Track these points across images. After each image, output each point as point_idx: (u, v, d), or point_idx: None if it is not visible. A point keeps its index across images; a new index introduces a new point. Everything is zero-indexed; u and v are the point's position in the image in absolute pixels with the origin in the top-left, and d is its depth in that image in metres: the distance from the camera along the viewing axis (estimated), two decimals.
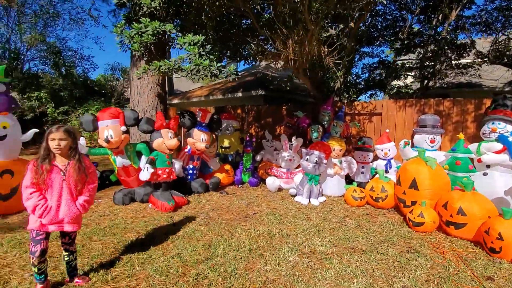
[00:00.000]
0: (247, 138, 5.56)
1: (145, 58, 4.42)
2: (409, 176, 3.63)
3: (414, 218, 3.29)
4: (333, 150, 4.70)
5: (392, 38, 9.17)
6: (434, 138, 4.53)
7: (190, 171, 4.68)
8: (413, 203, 3.54)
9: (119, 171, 4.12)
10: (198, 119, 4.59)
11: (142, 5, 3.26)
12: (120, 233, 3.11)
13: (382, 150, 4.94)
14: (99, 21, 15.15)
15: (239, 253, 2.67)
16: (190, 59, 3.22)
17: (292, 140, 5.29)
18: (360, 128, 5.72)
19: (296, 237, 3.10)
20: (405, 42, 8.40)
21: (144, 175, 3.85)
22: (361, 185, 4.71)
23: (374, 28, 9.05)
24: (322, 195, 4.60)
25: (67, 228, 1.97)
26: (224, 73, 3.23)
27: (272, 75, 11.81)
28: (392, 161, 5.00)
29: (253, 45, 4.35)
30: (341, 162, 4.84)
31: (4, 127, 3.70)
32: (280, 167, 5.31)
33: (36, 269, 1.92)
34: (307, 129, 5.67)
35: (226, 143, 5.83)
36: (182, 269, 2.37)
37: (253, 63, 9.10)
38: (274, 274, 2.33)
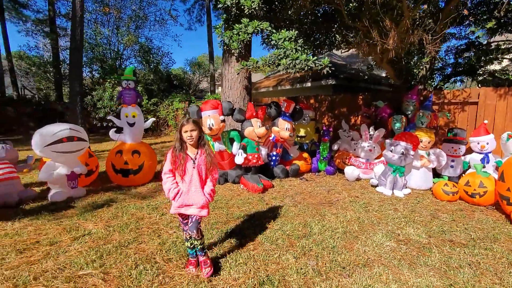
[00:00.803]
0: (324, 128, 5.71)
1: (235, 55, 4.89)
2: None
3: None
4: (421, 141, 4.52)
5: (484, 17, 7.91)
6: None
7: (273, 158, 5.09)
8: None
9: (215, 155, 4.76)
10: (283, 109, 4.93)
11: (243, 6, 3.65)
12: (225, 207, 3.68)
13: (478, 143, 4.54)
14: (177, 20, 16.67)
15: (334, 234, 2.93)
16: (285, 54, 3.50)
17: (370, 130, 5.22)
18: (450, 118, 5.29)
19: (386, 225, 3.21)
20: (502, 20, 7.17)
21: (239, 159, 4.39)
22: (450, 179, 4.45)
23: (463, 6, 7.93)
24: (406, 187, 4.51)
25: (195, 211, 2.07)
26: (318, 66, 3.44)
27: (338, 63, 11.46)
28: (490, 155, 4.56)
29: (337, 35, 4.42)
30: (428, 154, 4.63)
31: (134, 116, 4.64)
32: (359, 157, 5.33)
33: (188, 244, 2.17)
34: (388, 119, 5.52)
35: (302, 132, 6.07)
36: (288, 241, 2.75)
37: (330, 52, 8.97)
38: (373, 255, 2.53)
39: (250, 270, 2.22)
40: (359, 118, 6.32)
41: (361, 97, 6.49)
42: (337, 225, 3.15)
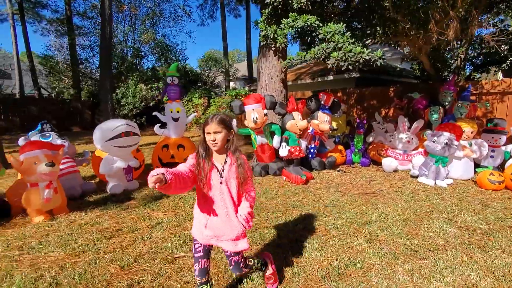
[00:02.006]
0: (358, 120, 5.76)
1: (280, 48, 4.95)
2: None
3: None
4: (464, 131, 4.54)
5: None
6: None
7: (312, 150, 5.19)
8: None
9: (257, 148, 4.88)
10: (322, 102, 5.00)
11: (292, 1, 3.72)
12: (277, 198, 3.81)
13: None
14: (191, 16, 16.75)
15: (394, 221, 3.02)
16: (336, 47, 3.57)
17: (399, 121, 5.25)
18: (488, 109, 5.29)
19: (440, 214, 3.28)
20: None
21: (283, 152, 4.50)
22: None
23: None
24: (448, 178, 4.56)
25: (228, 246, 1.58)
26: (372, 58, 3.50)
27: None
28: None
29: (378, 27, 4.45)
30: (471, 145, 4.65)
31: (178, 111, 4.79)
32: (395, 148, 5.38)
33: None
34: (424, 110, 5.54)
35: (334, 125, 6.10)
36: (353, 228, 2.86)
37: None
38: (440, 240, 2.62)
39: (330, 253, 2.34)
40: (391, 110, 6.34)
41: (392, 89, 6.50)
42: (393, 214, 3.24)
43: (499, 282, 1.99)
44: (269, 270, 1.86)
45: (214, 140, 1.51)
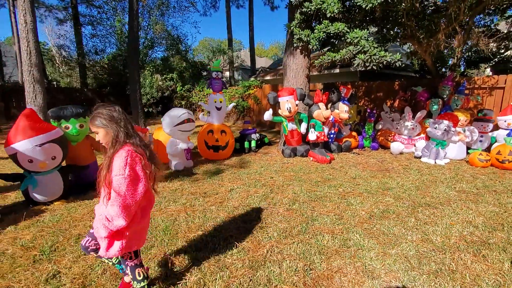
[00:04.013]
0: (369, 110, 6.68)
1: (299, 47, 5.76)
2: None
3: None
4: (460, 120, 5.52)
5: (504, 5, 8.71)
6: None
7: (331, 135, 6.09)
8: None
9: (288, 133, 5.73)
10: (342, 94, 5.87)
11: (327, 11, 4.50)
12: (312, 173, 4.70)
13: (505, 121, 5.55)
14: (196, 7, 17.10)
15: (409, 188, 3.97)
16: (362, 50, 4.40)
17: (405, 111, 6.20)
18: (479, 101, 6.28)
19: (442, 183, 4.26)
20: None
21: (312, 136, 5.39)
22: None
23: None
24: (446, 158, 5.56)
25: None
26: (392, 60, 4.34)
27: None
28: None
29: (391, 31, 5.30)
30: (464, 131, 5.65)
31: (220, 101, 5.56)
32: (401, 134, 6.34)
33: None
34: (426, 102, 6.50)
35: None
36: (379, 191, 3.79)
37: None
38: (444, 198, 3.58)
39: (370, 205, 3.27)
40: (397, 102, 7.28)
41: (397, 83, 7.43)
42: (407, 183, 4.19)
43: (487, 220, 2.95)
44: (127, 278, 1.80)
45: (99, 140, 1.51)
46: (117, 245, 1.48)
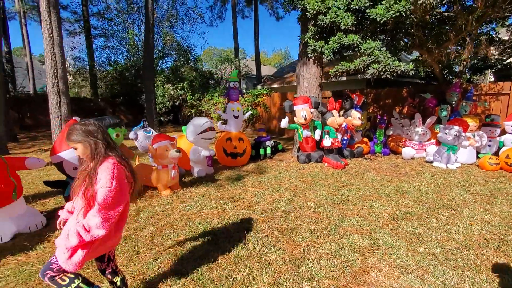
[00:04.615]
0: (379, 117, 6.90)
1: (312, 58, 6.02)
2: None
3: None
4: (469, 125, 5.72)
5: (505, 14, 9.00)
6: None
7: (344, 142, 6.29)
8: None
9: (303, 140, 5.94)
10: (355, 102, 6.10)
11: (341, 24, 4.76)
12: (329, 178, 4.89)
13: (511, 126, 5.74)
14: (203, 18, 17.59)
15: (425, 191, 4.14)
16: (376, 60, 4.64)
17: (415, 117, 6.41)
18: (486, 107, 6.48)
19: (456, 186, 4.43)
20: None
21: (327, 142, 5.59)
22: None
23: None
24: (457, 162, 5.73)
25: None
26: (406, 69, 4.57)
27: None
28: None
29: (401, 41, 5.56)
30: (474, 136, 5.84)
31: (238, 110, 5.80)
32: (411, 140, 6.53)
33: None
34: (435, 108, 6.71)
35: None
36: (397, 194, 3.97)
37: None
38: (461, 201, 3.75)
39: (391, 208, 3.44)
40: (405, 108, 7.49)
41: (405, 90, 7.65)
42: (422, 186, 4.37)
43: (503, 219, 3.12)
44: None
45: (79, 156, 1.53)
46: (79, 254, 1.42)
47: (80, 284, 1.53)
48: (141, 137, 4.71)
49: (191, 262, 2.29)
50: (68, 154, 3.08)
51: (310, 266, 2.22)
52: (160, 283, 2.03)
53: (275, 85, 14.50)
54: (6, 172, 2.71)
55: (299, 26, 6.35)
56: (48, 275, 1.46)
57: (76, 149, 1.51)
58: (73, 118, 3.30)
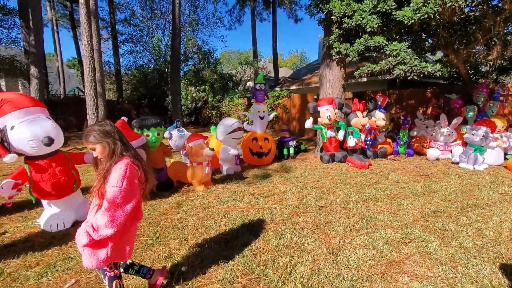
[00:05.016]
0: (402, 118, 6.90)
1: (335, 60, 6.15)
2: None
3: None
4: (497, 126, 5.64)
5: None
6: None
7: (368, 142, 6.36)
8: None
9: (327, 140, 6.08)
10: (379, 103, 6.17)
11: (366, 26, 4.88)
12: (355, 177, 5.00)
13: None
14: (223, 22, 18.02)
15: (454, 191, 4.17)
16: (402, 61, 4.72)
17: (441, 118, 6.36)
18: None
19: (484, 187, 4.41)
20: None
21: (351, 142, 5.70)
22: None
23: None
24: (484, 163, 5.66)
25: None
26: (433, 70, 4.62)
27: None
28: None
29: (427, 42, 5.59)
30: (502, 137, 5.75)
31: (263, 111, 6.02)
32: (436, 141, 6.50)
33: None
34: (460, 109, 6.64)
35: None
36: (425, 194, 4.03)
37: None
38: (490, 200, 3.77)
39: (420, 206, 3.53)
40: (430, 109, 7.44)
41: (429, 90, 7.60)
42: (450, 186, 4.39)
43: None
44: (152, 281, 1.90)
45: (97, 156, 1.59)
46: (102, 254, 1.47)
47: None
48: (175, 136, 5.02)
49: (235, 249, 2.51)
50: None
51: (347, 255, 2.39)
52: (212, 265, 2.26)
53: (293, 87, 14.64)
54: (68, 166, 3.06)
55: (315, 28, 6.53)
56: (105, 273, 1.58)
57: (94, 150, 1.56)
58: (122, 118, 3.63)
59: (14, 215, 3.41)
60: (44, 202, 3.04)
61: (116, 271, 1.61)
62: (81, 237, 1.45)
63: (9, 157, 2.57)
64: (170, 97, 11.64)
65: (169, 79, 13.36)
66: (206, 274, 2.16)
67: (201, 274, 2.15)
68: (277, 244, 2.59)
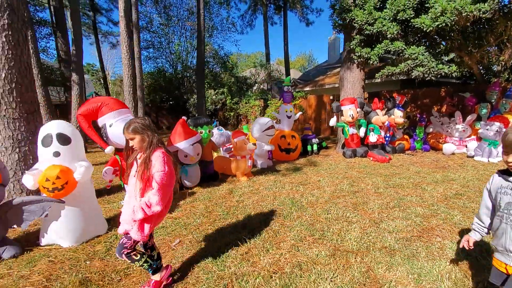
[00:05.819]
0: (418, 115, 7.38)
1: (355, 62, 6.68)
2: None
3: None
4: (510, 122, 6.08)
5: None
6: None
7: (387, 138, 6.86)
8: None
9: (349, 137, 6.61)
10: (397, 102, 6.67)
11: (387, 33, 5.41)
12: (379, 169, 5.50)
13: None
14: (236, 27, 18.71)
15: (471, 179, 4.65)
16: (420, 64, 5.23)
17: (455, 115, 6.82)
18: None
19: None
20: None
21: (373, 138, 6.22)
22: None
23: None
24: (498, 156, 6.09)
25: (121, 226, 1.82)
26: (450, 72, 5.12)
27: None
28: None
29: (441, 45, 6.07)
30: None
31: (290, 111, 6.59)
32: (452, 136, 6.95)
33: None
34: (474, 107, 7.08)
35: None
36: (445, 181, 4.52)
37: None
38: None
39: (442, 191, 4.03)
40: (444, 107, 7.89)
41: (443, 89, 8.05)
42: (467, 176, 4.87)
43: None
44: (156, 277, 1.99)
45: (132, 145, 1.81)
46: (147, 227, 1.75)
47: (147, 259, 1.89)
48: (215, 134, 5.63)
49: (294, 221, 3.08)
50: (182, 145, 4.02)
51: (387, 224, 2.93)
52: (280, 231, 2.83)
53: (307, 88, 15.17)
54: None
55: (323, 30, 7.15)
56: (125, 253, 1.79)
57: (132, 139, 1.77)
58: (183, 117, 4.25)
59: (98, 199, 4.05)
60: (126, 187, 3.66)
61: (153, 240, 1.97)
62: (136, 213, 1.68)
63: (109, 149, 3.19)
64: (191, 99, 12.35)
65: (194, 84, 14.09)
66: (277, 236, 2.73)
67: (276, 236, 2.72)
68: (327, 217, 3.14)
